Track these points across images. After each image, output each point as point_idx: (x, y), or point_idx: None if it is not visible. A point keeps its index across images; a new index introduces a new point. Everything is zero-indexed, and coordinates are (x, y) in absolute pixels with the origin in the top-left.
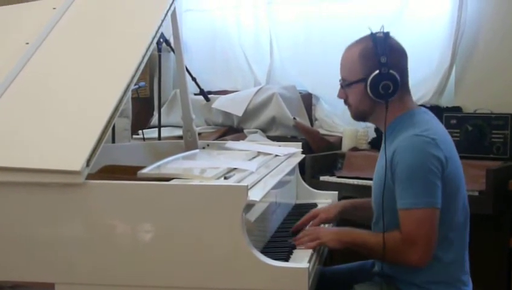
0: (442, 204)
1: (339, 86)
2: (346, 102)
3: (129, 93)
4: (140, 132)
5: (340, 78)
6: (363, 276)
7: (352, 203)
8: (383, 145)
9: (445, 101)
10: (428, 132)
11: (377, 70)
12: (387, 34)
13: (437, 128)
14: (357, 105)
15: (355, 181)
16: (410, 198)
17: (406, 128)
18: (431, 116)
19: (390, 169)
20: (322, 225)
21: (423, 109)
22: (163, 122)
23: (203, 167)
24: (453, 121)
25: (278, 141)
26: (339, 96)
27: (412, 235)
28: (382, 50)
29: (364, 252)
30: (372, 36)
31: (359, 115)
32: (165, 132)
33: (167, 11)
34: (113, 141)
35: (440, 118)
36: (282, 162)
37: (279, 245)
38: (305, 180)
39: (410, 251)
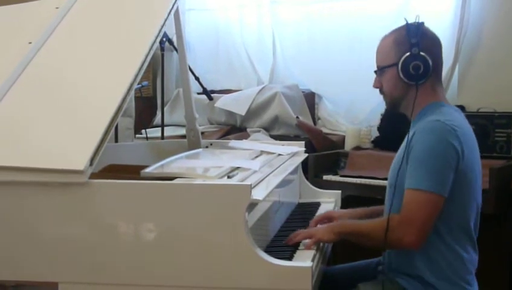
0: (453, 198)
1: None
2: (381, 91)
3: (132, 93)
4: (143, 131)
5: (375, 68)
6: (367, 275)
7: (367, 211)
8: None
9: (448, 100)
10: (451, 122)
11: (409, 52)
12: (421, 23)
13: (462, 122)
14: (391, 90)
15: (358, 180)
16: (418, 179)
17: (431, 115)
18: (460, 114)
19: (406, 150)
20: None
21: (455, 107)
22: (166, 121)
23: (206, 166)
24: None
25: (281, 140)
26: (374, 85)
27: (410, 215)
28: (414, 35)
29: (360, 239)
30: (407, 25)
31: (393, 102)
32: (168, 131)
33: (170, 10)
34: (116, 141)
35: (466, 120)
36: (285, 161)
37: (282, 244)
38: (308, 179)
39: (405, 231)
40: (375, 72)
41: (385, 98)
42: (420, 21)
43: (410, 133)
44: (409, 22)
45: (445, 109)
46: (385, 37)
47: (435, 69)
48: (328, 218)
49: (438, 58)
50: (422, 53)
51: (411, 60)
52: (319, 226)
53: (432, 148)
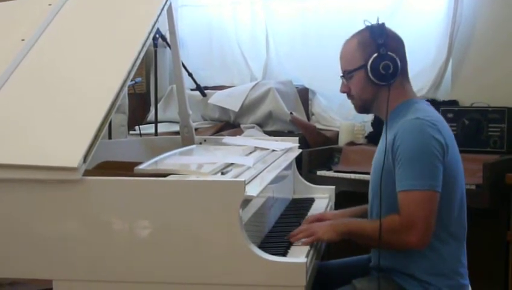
0: (442, 192)
1: (340, 81)
2: (349, 95)
3: (125, 89)
4: (137, 127)
5: (341, 74)
6: (360, 270)
7: (357, 210)
8: (383, 132)
9: (441, 95)
10: (430, 118)
11: (376, 53)
12: (382, 24)
13: (438, 116)
14: (360, 94)
15: (352, 175)
16: (410, 180)
17: (407, 114)
18: (432, 108)
19: (391, 153)
20: None
21: (425, 100)
22: (159, 117)
23: (200, 162)
24: (450, 115)
25: (274, 136)
26: (342, 90)
27: (411, 216)
28: (379, 36)
29: (362, 240)
30: (369, 27)
31: (363, 105)
32: (162, 128)
33: (163, 7)
34: (110, 137)
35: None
36: (279, 157)
37: (276, 240)
38: (302, 175)
39: (409, 232)
40: (341, 77)
41: (354, 101)
42: (381, 22)
43: (390, 134)
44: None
45: (419, 106)
46: (347, 41)
47: (402, 69)
48: (320, 220)
49: (403, 56)
50: (390, 53)
51: (380, 60)
52: (316, 223)
53: (417, 146)
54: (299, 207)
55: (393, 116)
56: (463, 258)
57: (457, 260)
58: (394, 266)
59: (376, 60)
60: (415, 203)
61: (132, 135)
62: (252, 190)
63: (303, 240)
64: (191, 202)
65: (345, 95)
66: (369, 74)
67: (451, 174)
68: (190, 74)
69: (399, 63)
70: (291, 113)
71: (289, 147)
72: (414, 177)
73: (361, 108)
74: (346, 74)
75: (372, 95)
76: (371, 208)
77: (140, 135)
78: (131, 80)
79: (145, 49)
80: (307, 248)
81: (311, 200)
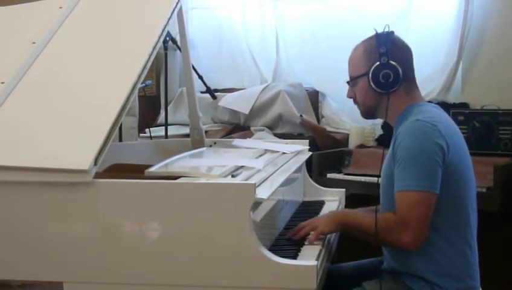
0: (448, 194)
1: (347, 87)
2: (355, 101)
3: (136, 92)
4: (147, 130)
5: (348, 79)
6: (371, 273)
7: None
8: (393, 136)
9: (452, 98)
10: (431, 119)
11: (378, 62)
12: (390, 32)
13: (442, 117)
14: (364, 100)
15: (362, 178)
16: (406, 180)
17: (410, 116)
18: (440, 110)
19: (392, 155)
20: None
21: (433, 104)
22: (169, 120)
23: (210, 165)
24: (460, 118)
25: (284, 138)
26: (348, 95)
27: (406, 217)
28: (383, 44)
29: (358, 233)
30: (376, 34)
31: (367, 111)
32: (172, 130)
33: (173, 10)
34: (120, 140)
35: (447, 114)
36: (289, 159)
37: (287, 243)
38: (312, 178)
39: (403, 232)
40: (348, 82)
41: (359, 107)
42: (390, 30)
43: (393, 139)
44: (379, 31)
45: (423, 108)
46: (356, 47)
47: (407, 77)
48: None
49: (408, 64)
50: (391, 62)
51: (380, 69)
52: (320, 215)
53: (415, 147)
54: (309, 210)
55: (399, 120)
56: (473, 260)
57: (467, 262)
58: (404, 268)
59: (377, 69)
60: (411, 204)
61: (142, 137)
62: (262, 193)
63: (310, 238)
64: (201, 205)
65: None
66: (370, 82)
67: (457, 175)
68: (200, 77)
69: (400, 72)
70: (301, 115)
71: (299, 150)
72: (410, 178)
73: (366, 114)
74: (352, 80)
75: (374, 102)
76: (382, 208)
77: (151, 137)
78: (142, 83)
79: (155, 52)
80: (318, 250)
81: (321, 203)
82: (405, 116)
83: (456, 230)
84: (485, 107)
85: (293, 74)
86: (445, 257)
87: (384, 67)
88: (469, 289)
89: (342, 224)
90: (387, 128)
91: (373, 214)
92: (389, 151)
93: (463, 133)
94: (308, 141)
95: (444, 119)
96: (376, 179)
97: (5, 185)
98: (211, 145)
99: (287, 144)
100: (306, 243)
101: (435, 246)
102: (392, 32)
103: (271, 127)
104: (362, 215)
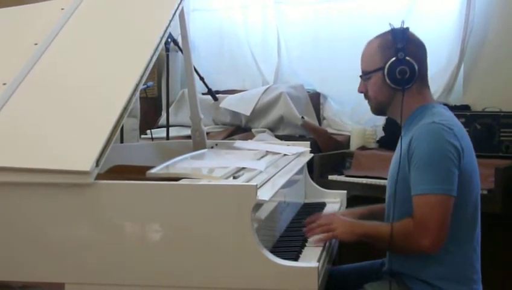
0: (458, 197)
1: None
2: (366, 96)
3: (138, 93)
4: (148, 131)
5: (360, 73)
6: (373, 275)
7: (365, 210)
8: (400, 137)
9: (453, 100)
10: (447, 122)
11: (394, 57)
12: (406, 28)
13: (455, 121)
14: (376, 95)
15: (363, 180)
16: (425, 184)
17: (424, 118)
18: (450, 112)
19: (406, 157)
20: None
21: (443, 105)
22: (171, 121)
23: (212, 166)
24: (462, 120)
25: (286, 140)
26: (359, 90)
27: (425, 219)
28: (400, 40)
29: (377, 243)
30: (392, 30)
31: (378, 107)
32: (173, 132)
33: (175, 11)
34: (122, 141)
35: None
36: (290, 161)
37: (288, 244)
38: (313, 180)
39: (422, 235)
40: (361, 76)
41: (370, 102)
42: (405, 26)
43: (406, 139)
44: (395, 27)
45: (436, 110)
46: (370, 42)
47: (420, 74)
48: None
49: (423, 62)
50: (408, 58)
51: (397, 64)
52: (338, 218)
53: (433, 150)
54: (310, 211)
55: (410, 120)
56: (476, 264)
57: (470, 265)
58: (407, 271)
59: (393, 64)
60: (429, 207)
61: (144, 139)
62: (263, 194)
63: (319, 236)
64: (202, 206)
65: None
66: (386, 77)
67: (466, 179)
68: (202, 78)
69: (416, 69)
70: (302, 117)
71: (301, 152)
72: (429, 181)
73: (377, 110)
74: (365, 75)
75: (387, 98)
76: (388, 216)
77: (152, 138)
78: (143, 84)
79: (157, 54)
80: (319, 251)
81: (322, 205)
82: (416, 117)
83: (464, 234)
84: (486, 109)
85: (295, 75)
86: (450, 260)
87: (400, 63)
88: None
89: (360, 235)
90: (388, 129)
91: (388, 223)
92: (397, 154)
93: None
94: (309, 142)
95: (457, 122)
96: (377, 180)
97: (6, 186)
98: (212, 147)
99: (288, 145)
100: (309, 244)
101: (443, 249)
102: (408, 29)
103: (272, 128)
104: (379, 224)
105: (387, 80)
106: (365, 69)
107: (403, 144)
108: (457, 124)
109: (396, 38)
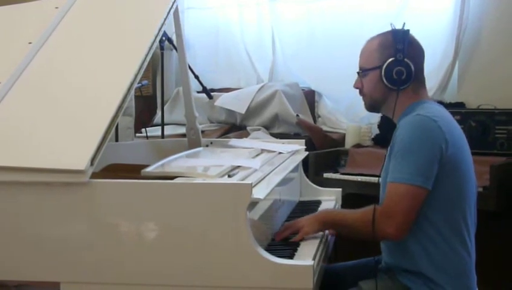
0: (444, 190)
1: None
2: (361, 92)
3: (132, 92)
4: (143, 130)
5: (357, 69)
6: (368, 273)
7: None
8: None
9: (448, 97)
10: (431, 114)
11: (393, 57)
12: (407, 30)
13: (444, 114)
14: (371, 93)
15: (358, 178)
16: (400, 173)
17: (412, 112)
18: (442, 108)
19: (390, 149)
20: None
21: (434, 101)
22: (166, 120)
23: (207, 165)
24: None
25: (281, 138)
26: (355, 85)
27: (391, 208)
28: (400, 41)
29: (345, 229)
30: (393, 30)
31: (372, 104)
32: (168, 130)
33: (169, 9)
34: (117, 140)
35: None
36: (285, 159)
37: (283, 243)
38: (308, 178)
39: (386, 223)
40: (358, 72)
41: (365, 99)
42: (406, 28)
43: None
44: (396, 27)
45: (426, 105)
46: (371, 40)
47: (416, 76)
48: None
49: (420, 64)
50: (406, 60)
51: (395, 65)
52: (304, 217)
53: (412, 141)
54: (305, 209)
55: (402, 117)
56: (469, 260)
57: (461, 260)
58: (402, 263)
59: (391, 64)
60: (399, 196)
61: (139, 137)
62: (258, 193)
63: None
64: (197, 205)
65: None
66: (382, 76)
67: (455, 173)
68: (196, 76)
69: (413, 71)
70: (297, 115)
71: (296, 150)
72: (404, 170)
73: (371, 107)
74: (362, 71)
75: (382, 96)
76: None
77: (147, 137)
78: (138, 83)
79: (151, 52)
80: (314, 250)
81: (317, 203)
82: (408, 113)
83: (450, 226)
84: (481, 107)
85: (290, 73)
86: (441, 252)
87: (398, 63)
88: (465, 288)
89: (325, 222)
90: (384, 127)
91: (355, 210)
92: (389, 149)
93: None
94: (304, 140)
95: (446, 117)
96: (372, 178)
97: (1, 185)
98: (207, 145)
99: (283, 143)
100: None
101: (431, 240)
102: (409, 31)
103: (267, 126)
104: (346, 211)
105: (384, 79)
106: (363, 65)
107: (391, 140)
108: (444, 117)
109: (397, 39)
